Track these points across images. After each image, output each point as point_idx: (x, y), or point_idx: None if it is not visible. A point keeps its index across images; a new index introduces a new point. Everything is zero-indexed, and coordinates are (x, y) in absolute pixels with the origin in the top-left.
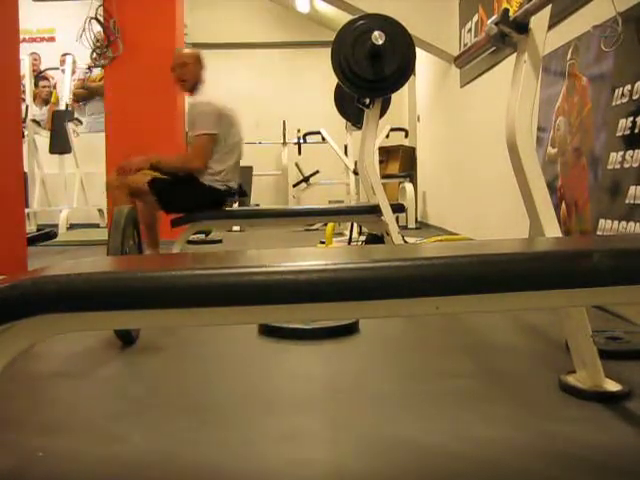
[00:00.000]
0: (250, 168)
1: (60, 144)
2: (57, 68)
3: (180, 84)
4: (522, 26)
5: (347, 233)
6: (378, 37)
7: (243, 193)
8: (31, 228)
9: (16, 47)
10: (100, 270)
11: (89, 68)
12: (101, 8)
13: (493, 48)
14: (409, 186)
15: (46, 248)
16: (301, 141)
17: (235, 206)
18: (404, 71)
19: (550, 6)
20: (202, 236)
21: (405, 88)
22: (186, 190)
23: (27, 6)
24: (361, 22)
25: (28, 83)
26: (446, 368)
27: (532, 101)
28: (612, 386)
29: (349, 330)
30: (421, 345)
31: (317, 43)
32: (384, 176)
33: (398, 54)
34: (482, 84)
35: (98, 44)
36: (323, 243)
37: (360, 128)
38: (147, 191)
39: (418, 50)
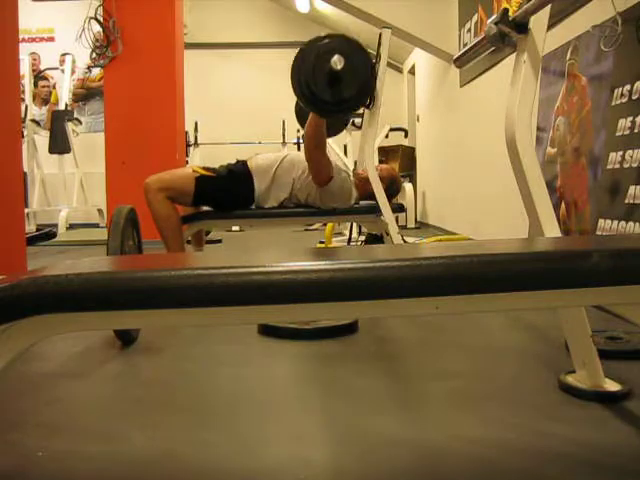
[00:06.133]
0: None
1: (60, 144)
2: (57, 68)
3: None
4: (521, 26)
5: (347, 233)
6: (337, 62)
7: None
8: (30, 228)
9: (16, 47)
10: (100, 270)
11: (89, 68)
12: (101, 8)
13: (492, 48)
14: (409, 186)
15: (45, 248)
16: (300, 141)
17: None
18: (363, 93)
19: (550, 6)
20: None
21: (405, 88)
22: (232, 189)
23: (27, 6)
24: (322, 43)
25: (28, 83)
26: (445, 368)
27: (532, 101)
28: (612, 386)
29: (348, 330)
30: (420, 345)
31: None
32: None
33: (357, 77)
34: (482, 84)
35: (98, 44)
36: (323, 243)
37: (359, 127)
38: (190, 192)
39: (418, 50)
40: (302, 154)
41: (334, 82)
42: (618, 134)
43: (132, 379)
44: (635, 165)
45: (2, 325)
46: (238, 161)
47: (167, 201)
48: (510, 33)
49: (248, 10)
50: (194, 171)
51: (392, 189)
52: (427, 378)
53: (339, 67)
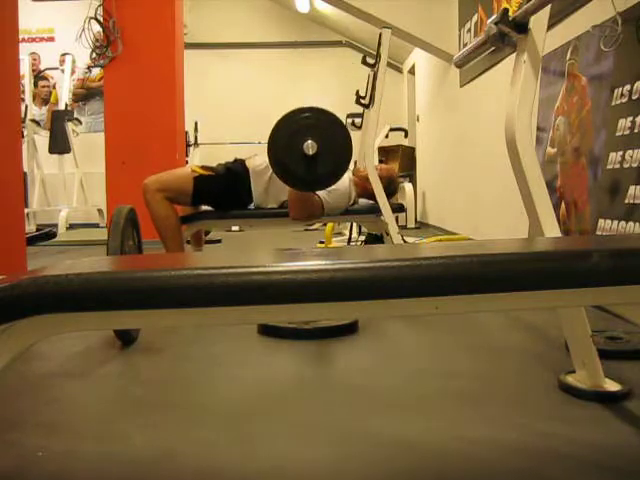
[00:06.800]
0: None
1: (59, 144)
2: (57, 68)
3: None
4: (521, 26)
5: (347, 233)
6: (310, 147)
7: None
8: (30, 228)
9: (16, 47)
10: (100, 270)
11: (89, 68)
12: (100, 8)
13: (492, 48)
14: (409, 186)
15: (45, 248)
16: None
17: None
18: (339, 171)
19: (550, 6)
20: None
21: (405, 88)
22: (230, 188)
23: (27, 6)
24: (298, 117)
25: (28, 83)
26: (445, 368)
27: (531, 101)
28: (612, 386)
29: (348, 330)
30: (420, 345)
31: (317, 43)
32: None
33: (332, 155)
34: (482, 84)
35: (98, 44)
36: (322, 243)
37: (359, 127)
38: (188, 192)
39: (418, 50)
40: None
41: (309, 161)
42: (618, 134)
43: (132, 379)
44: (635, 165)
45: (2, 325)
46: (236, 160)
47: (165, 201)
48: (510, 33)
49: (248, 10)
50: (193, 171)
51: (390, 189)
52: (427, 378)
53: (311, 152)
